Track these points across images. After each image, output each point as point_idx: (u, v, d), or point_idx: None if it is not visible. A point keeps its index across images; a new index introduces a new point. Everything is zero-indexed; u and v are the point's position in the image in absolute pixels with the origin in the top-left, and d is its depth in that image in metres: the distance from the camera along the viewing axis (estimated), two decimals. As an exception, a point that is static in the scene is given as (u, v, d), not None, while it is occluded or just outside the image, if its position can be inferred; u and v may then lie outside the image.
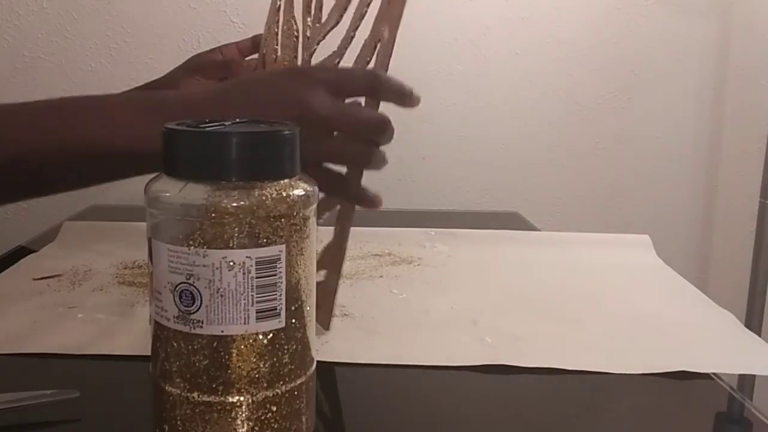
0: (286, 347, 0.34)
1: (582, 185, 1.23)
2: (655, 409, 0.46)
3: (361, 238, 0.81)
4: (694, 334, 0.57)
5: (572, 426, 0.45)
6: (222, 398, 0.33)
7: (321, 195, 0.40)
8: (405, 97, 0.51)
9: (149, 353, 0.37)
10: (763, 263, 1.12)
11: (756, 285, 1.12)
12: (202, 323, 0.32)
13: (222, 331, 0.32)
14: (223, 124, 0.35)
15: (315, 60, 0.59)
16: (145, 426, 0.40)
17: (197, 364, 0.33)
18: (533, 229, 0.99)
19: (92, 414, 0.43)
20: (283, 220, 0.33)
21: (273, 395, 0.34)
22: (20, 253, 0.76)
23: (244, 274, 0.32)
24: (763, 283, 1.11)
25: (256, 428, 0.33)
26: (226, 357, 0.32)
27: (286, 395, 0.34)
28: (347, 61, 0.55)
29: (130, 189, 1.07)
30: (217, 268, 0.32)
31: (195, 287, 0.32)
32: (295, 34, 0.62)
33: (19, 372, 0.49)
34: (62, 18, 1.10)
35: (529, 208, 1.12)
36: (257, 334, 0.33)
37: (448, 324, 0.58)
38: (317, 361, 0.38)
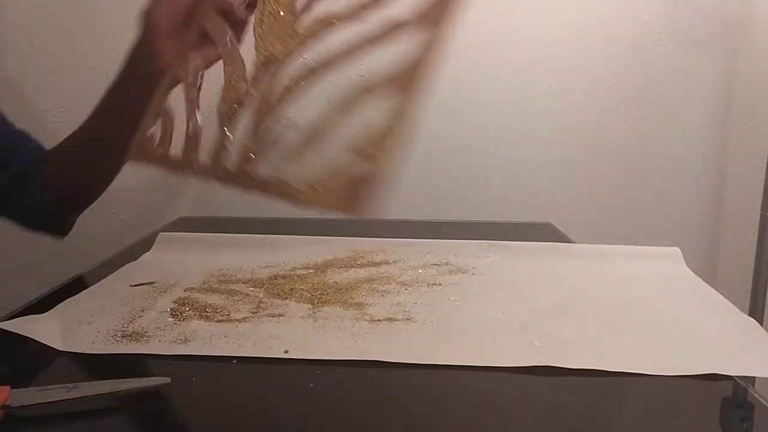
0: None
1: (606, 199, 1.26)
2: (683, 408, 0.47)
3: (421, 249, 0.85)
4: (723, 339, 0.57)
5: (608, 421, 0.45)
6: None
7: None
8: None
9: (237, 354, 0.48)
10: (764, 270, 1.15)
11: (757, 290, 1.15)
12: None
13: None
14: None
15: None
16: (234, 413, 0.42)
17: None
18: (565, 237, 1.00)
19: (182, 403, 0.45)
20: None
21: None
22: (121, 260, 0.79)
23: None
24: (764, 287, 1.15)
25: None
26: None
27: None
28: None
29: (217, 202, 1.14)
30: None
31: None
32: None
33: (117, 370, 0.50)
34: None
35: (561, 220, 1.13)
36: None
37: (500, 329, 0.58)
38: (385, 362, 0.48)
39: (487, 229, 1.10)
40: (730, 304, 0.67)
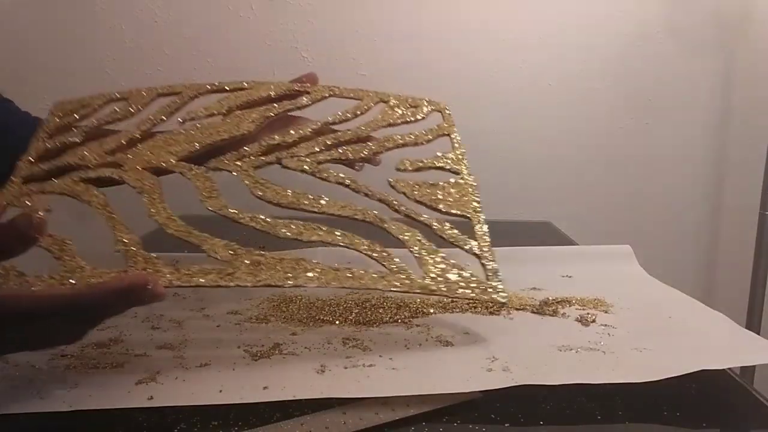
0: None
1: (606, 198, 1.28)
2: (682, 408, 0.46)
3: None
4: (699, 335, 0.56)
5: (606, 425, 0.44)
6: None
7: None
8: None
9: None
10: (762, 267, 1.17)
11: (756, 288, 1.17)
12: None
13: None
14: None
15: None
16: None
17: None
18: (564, 236, 1.02)
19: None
20: None
21: None
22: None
23: None
24: (763, 285, 1.17)
25: None
26: None
27: None
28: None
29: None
30: None
31: None
32: None
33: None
34: (155, 54, 1.17)
35: (561, 219, 1.17)
36: None
37: (461, 346, 0.54)
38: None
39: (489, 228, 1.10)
40: (695, 300, 0.66)
